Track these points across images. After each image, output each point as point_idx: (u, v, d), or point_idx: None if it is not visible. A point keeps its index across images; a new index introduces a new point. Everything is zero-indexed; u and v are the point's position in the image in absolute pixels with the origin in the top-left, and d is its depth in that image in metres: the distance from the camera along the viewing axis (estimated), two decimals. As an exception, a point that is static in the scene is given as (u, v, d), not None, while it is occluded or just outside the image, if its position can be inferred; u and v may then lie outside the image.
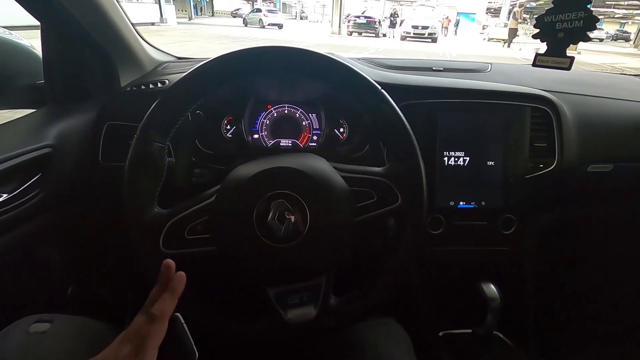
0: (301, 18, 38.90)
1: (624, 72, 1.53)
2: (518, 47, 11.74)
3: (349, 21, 15.31)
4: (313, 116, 0.76)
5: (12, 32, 0.75)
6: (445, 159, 0.73)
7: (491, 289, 0.75)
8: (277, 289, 0.48)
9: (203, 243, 0.46)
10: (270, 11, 18.80)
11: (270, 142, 0.77)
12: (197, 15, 25.85)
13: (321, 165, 0.48)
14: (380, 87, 0.49)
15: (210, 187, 0.48)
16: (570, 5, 0.52)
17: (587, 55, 10.82)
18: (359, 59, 0.87)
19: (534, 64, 0.57)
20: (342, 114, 0.77)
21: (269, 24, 17.35)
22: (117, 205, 0.45)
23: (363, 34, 15.26)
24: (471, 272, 0.79)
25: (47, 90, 0.72)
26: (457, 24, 26.35)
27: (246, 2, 34.56)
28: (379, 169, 0.50)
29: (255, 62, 0.48)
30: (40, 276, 0.70)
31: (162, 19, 14.29)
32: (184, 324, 0.37)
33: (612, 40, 28.05)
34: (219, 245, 0.46)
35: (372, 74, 0.73)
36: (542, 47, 0.56)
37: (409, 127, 0.49)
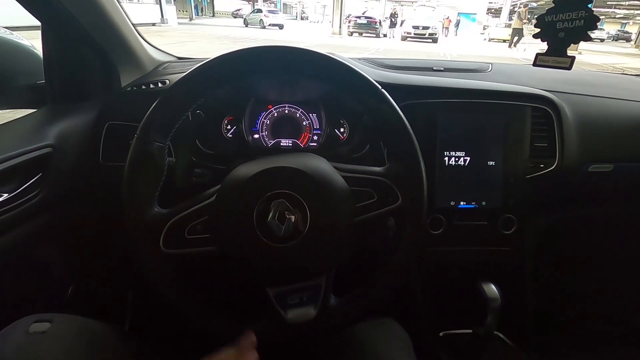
0: (302, 18, 38.90)
1: (625, 72, 1.53)
2: (522, 47, 11.71)
3: (349, 21, 15.31)
4: (313, 116, 0.76)
5: (13, 32, 0.75)
6: (446, 158, 0.73)
7: (491, 289, 0.75)
8: (277, 289, 0.48)
9: (203, 243, 0.46)
10: (271, 11, 18.81)
11: (270, 142, 0.77)
12: (197, 15, 25.92)
13: (321, 165, 0.48)
14: (380, 87, 0.49)
15: (210, 187, 0.48)
16: (571, 4, 0.52)
17: (588, 56, 10.83)
18: (359, 59, 0.87)
19: (534, 64, 0.57)
20: (343, 114, 0.77)
21: (269, 25, 17.36)
22: (117, 205, 0.45)
23: (364, 35, 15.25)
24: (471, 272, 0.79)
25: (48, 90, 0.72)
26: (457, 25, 26.35)
27: (247, 3, 34.62)
28: (379, 168, 0.50)
29: (255, 62, 0.48)
30: (40, 276, 0.70)
31: (162, 20, 14.33)
32: None
33: (613, 40, 28.08)
34: (219, 245, 0.46)
35: (372, 74, 0.73)
36: (546, 48, 0.56)
37: (409, 127, 0.49)
